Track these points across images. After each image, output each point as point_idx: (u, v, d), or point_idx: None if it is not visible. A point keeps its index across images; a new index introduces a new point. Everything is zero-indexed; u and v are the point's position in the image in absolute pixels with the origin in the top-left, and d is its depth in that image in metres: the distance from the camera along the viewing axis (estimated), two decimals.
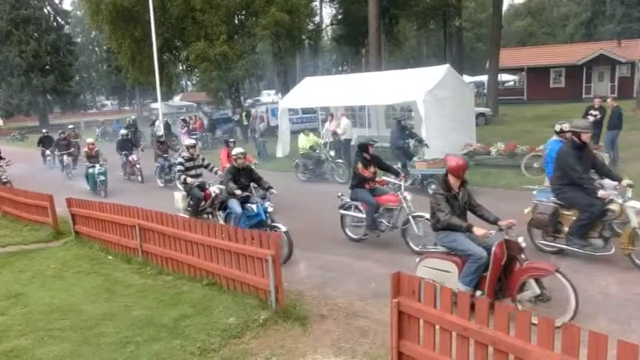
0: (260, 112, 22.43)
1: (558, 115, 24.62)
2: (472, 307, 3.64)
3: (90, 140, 15.37)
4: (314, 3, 36.55)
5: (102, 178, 14.21)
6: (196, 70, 28.52)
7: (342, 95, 16.99)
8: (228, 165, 10.37)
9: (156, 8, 23.74)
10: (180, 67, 34.00)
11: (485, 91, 31.95)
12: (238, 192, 8.11)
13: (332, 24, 43.53)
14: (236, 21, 28.26)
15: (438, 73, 15.91)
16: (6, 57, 47.91)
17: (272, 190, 8.53)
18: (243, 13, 27.84)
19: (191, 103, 57.23)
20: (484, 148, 14.44)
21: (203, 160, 10.31)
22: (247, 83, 32.99)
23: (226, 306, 5.88)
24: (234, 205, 8.14)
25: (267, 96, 53.32)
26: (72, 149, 18.62)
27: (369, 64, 28.56)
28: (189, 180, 9.56)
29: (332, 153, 14.54)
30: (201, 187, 9.72)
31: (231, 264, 6.28)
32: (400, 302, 4.08)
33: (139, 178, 16.27)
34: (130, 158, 16.34)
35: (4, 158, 15.11)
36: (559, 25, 61.89)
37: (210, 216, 9.56)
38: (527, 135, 18.46)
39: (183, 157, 9.97)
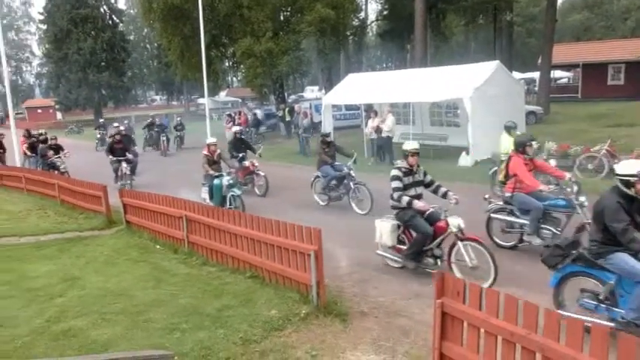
0: (304, 108, 22.53)
1: (616, 114, 23.65)
2: None
3: (212, 140, 11.50)
4: None
5: (235, 192, 10.61)
6: (242, 66, 28.95)
7: (386, 92, 16.88)
8: (542, 187, 7.21)
9: (205, 6, 24.20)
10: (227, 63, 34.56)
11: (537, 88, 30.94)
12: None
13: (377, 20, 43.22)
14: (281, 17, 28.49)
15: (487, 69, 15.58)
16: (65, 54, 50.25)
17: None
18: (289, 9, 28.04)
19: (236, 99, 58.34)
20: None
21: (425, 174, 7.09)
22: (291, 79, 33.14)
23: (268, 299, 5.99)
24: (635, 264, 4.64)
25: (311, 92, 53.66)
26: (130, 155, 14.83)
27: (414, 60, 28.21)
28: (418, 204, 6.59)
29: (553, 162, 9.27)
30: (433, 217, 6.73)
31: (273, 257, 6.38)
32: (444, 303, 4.03)
33: (257, 190, 12.87)
34: (249, 163, 12.92)
35: (63, 149, 15.91)
36: (619, 18, 58.96)
37: (439, 261, 6.75)
38: (581, 135, 17.67)
39: (400, 169, 6.84)
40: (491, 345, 3.70)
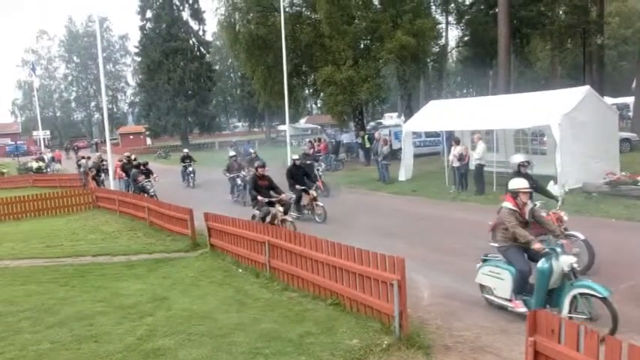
0: (383, 134, 22.53)
1: None
2: None
3: (523, 185, 6.50)
4: (440, 25, 36.14)
5: (595, 289, 5.50)
6: (322, 93, 29.57)
7: (468, 118, 16.54)
8: None
9: (287, 36, 25.18)
10: (307, 91, 35.44)
11: (631, 114, 28.98)
12: None
13: (458, 46, 42.68)
14: (362, 46, 28.90)
15: (577, 95, 14.87)
16: (156, 84, 54.09)
17: None
18: (369, 37, 28.41)
19: (315, 126, 59.53)
20: (630, 177, 13.07)
21: None
22: (370, 106, 33.39)
23: (349, 327, 5.93)
24: None
25: (390, 118, 53.63)
26: (283, 194, 11.23)
27: (496, 86, 27.48)
28: None
29: None
30: None
31: (355, 285, 6.34)
32: (537, 341, 3.83)
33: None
34: (553, 214, 7.61)
35: (153, 174, 16.94)
36: None
37: None
38: None
39: None
40: None
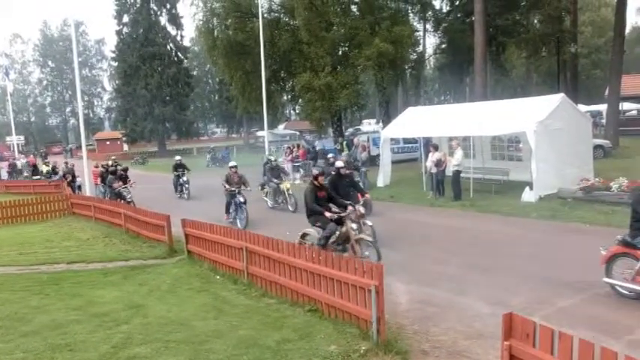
0: (362, 141, 22.63)
1: None
2: None
3: None
4: (417, 33, 36.57)
5: None
6: (301, 99, 29.61)
7: (446, 125, 16.73)
8: None
9: (266, 42, 25.20)
10: (286, 97, 35.46)
11: (603, 121, 29.72)
12: None
13: (435, 53, 43.21)
14: (340, 52, 29.05)
15: (551, 102, 15.18)
16: (134, 89, 53.37)
17: None
18: (347, 44, 28.58)
19: (294, 132, 59.51)
20: (603, 183, 13.38)
21: None
22: (349, 112, 33.59)
23: (327, 333, 5.92)
24: None
25: (368, 125, 53.95)
26: (349, 207, 9.11)
27: (473, 93, 27.90)
28: None
29: None
30: None
31: (333, 292, 6.33)
32: (512, 346, 3.88)
33: None
34: None
35: (130, 180, 16.71)
36: None
37: None
38: None
39: None
40: None
